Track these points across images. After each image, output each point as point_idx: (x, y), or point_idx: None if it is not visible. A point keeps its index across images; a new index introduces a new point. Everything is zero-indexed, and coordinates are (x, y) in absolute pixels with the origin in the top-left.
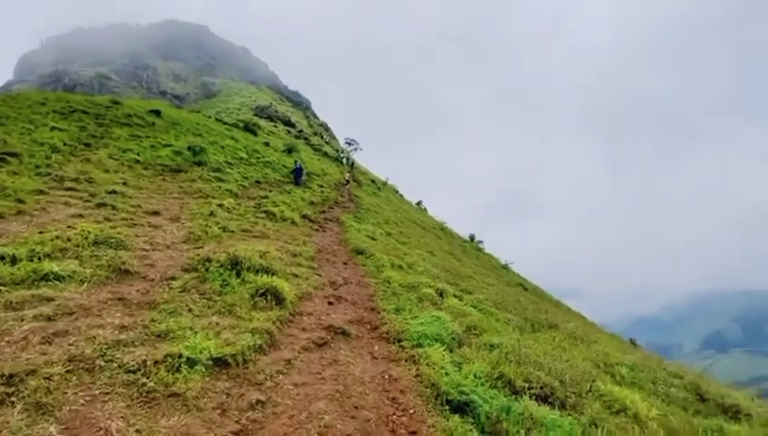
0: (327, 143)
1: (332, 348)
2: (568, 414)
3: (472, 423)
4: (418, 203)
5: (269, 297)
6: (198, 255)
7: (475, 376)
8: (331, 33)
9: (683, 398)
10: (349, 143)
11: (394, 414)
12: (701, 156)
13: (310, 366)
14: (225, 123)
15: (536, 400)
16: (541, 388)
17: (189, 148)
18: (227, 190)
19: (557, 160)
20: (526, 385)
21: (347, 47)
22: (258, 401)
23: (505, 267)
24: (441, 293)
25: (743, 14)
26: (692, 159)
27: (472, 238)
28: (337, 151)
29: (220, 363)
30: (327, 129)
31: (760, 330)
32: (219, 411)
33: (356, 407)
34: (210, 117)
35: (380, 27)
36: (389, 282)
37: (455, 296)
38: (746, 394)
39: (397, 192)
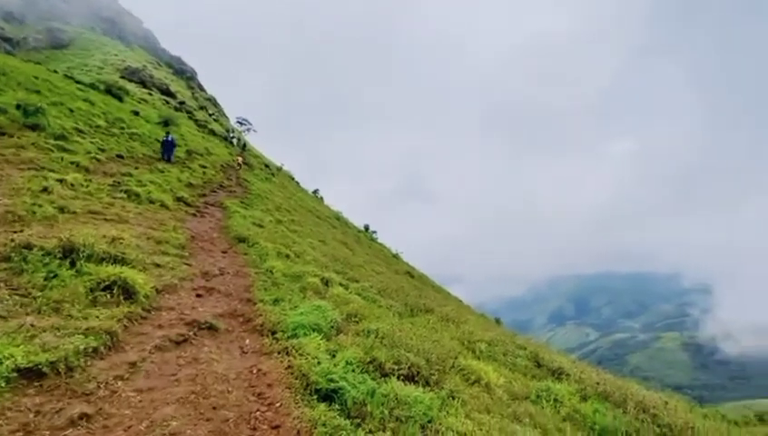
0: (215, 120)
1: (194, 345)
2: (431, 390)
3: (338, 410)
4: (315, 192)
5: (115, 291)
6: (12, 241)
7: (347, 363)
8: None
9: (524, 366)
10: (240, 123)
11: (258, 410)
12: (566, 159)
13: (162, 368)
14: (79, 83)
15: (403, 380)
16: (409, 368)
17: (18, 106)
18: (73, 162)
19: (456, 154)
20: (396, 367)
21: (262, 31)
22: (82, 415)
23: (395, 256)
24: (327, 282)
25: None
26: (559, 161)
27: (366, 228)
28: (227, 130)
29: (30, 374)
30: (215, 104)
31: (586, 305)
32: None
33: (214, 408)
34: (56, 72)
35: (308, 21)
36: (272, 272)
37: (341, 285)
38: (571, 359)
39: (293, 178)
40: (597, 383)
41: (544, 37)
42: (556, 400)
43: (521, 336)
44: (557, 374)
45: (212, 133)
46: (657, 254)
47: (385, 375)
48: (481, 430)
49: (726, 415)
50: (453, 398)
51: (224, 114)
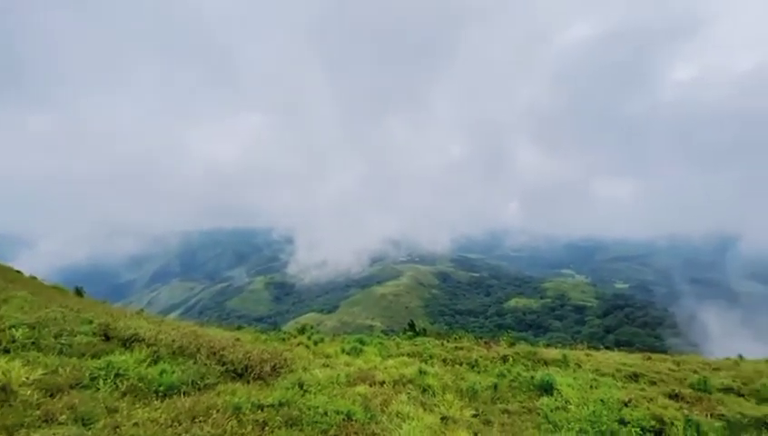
0: None
1: None
2: None
3: None
4: None
5: None
6: None
7: None
8: None
9: (85, 344)
10: None
11: None
12: (202, 124)
13: None
14: None
15: None
16: None
17: None
18: None
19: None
20: None
21: None
22: None
23: None
24: None
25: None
26: (194, 124)
27: None
28: None
29: None
30: None
31: (194, 260)
32: None
33: None
34: None
35: None
36: None
37: None
38: (159, 319)
39: None
40: (173, 341)
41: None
42: (117, 375)
43: (106, 305)
44: (129, 343)
45: None
46: (258, 212)
47: None
48: None
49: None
50: None
51: None
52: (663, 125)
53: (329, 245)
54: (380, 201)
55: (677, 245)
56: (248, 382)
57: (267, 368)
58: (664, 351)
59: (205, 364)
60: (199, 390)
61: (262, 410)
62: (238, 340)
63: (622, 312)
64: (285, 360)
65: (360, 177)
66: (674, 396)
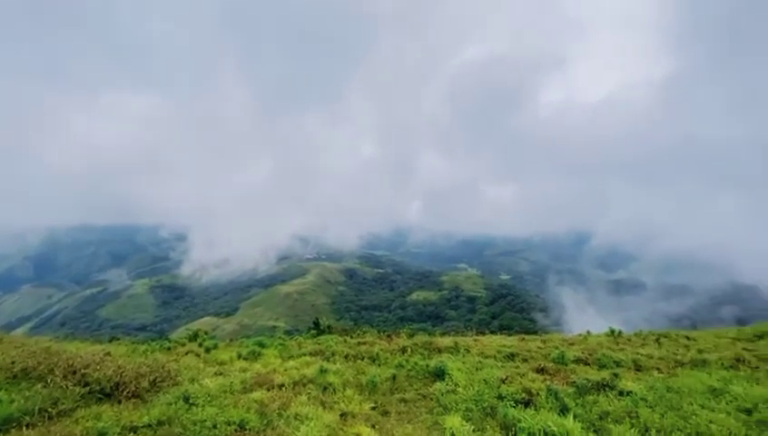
0: None
1: None
2: None
3: None
4: None
5: None
6: None
7: None
8: None
9: None
10: None
11: None
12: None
13: None
14: None
15: None
16: None
17: None
18: None
19: None
20: None
21: None
22: None
23: None
24: None
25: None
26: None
27: None
28: None
29: None
30: None
31: (54, 262)
32: None
33: None
34: None
35: None
36: None
37: None
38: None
39: None
40: (13, 363)
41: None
42: None
43: None
44: None
45: None
46: (142, 207)
47: None
48: None
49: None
50: None
51: None
52: (537, 139)
53: (231, 242)
54: (290, 196)
55: (547, 241)
56: (119, 402)
57: (144, 383)
58: (536, 332)
59: (61, 387)
60: (50, 418)
61: (135, 432)
62: (108, 354)
63: (505, 300)
64: (168, 372)
65: (269, 171)
66: (541, 370)
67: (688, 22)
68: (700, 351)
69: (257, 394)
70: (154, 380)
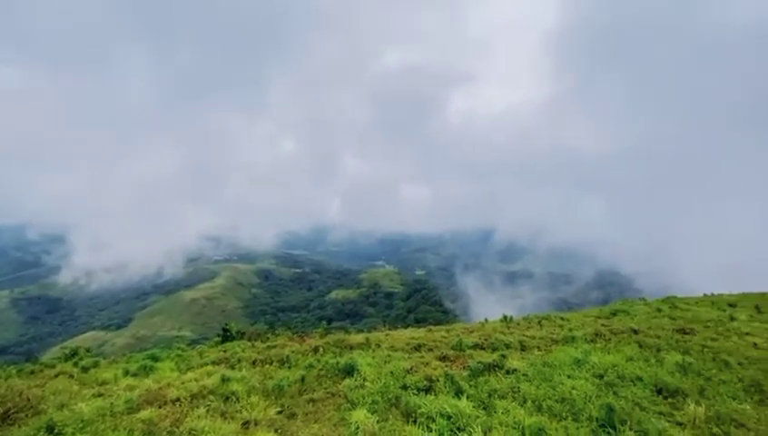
0: None
1: None
2: None
3: None
4: None
5: None
6: None
7: None
8: None
9: None
10: None
11: None
12: None
13: None
14: None
15: None
16: None
17: None
18: None
19: None
20: None
21: None
22: None
23: None
24: None
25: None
26: None
27: None
28: None
29: None
30: None
31: None
32: None
33: None
34: None
35: None
36: None
37: None
38: None
39: None
40: None
41: None
42: None
43: None
44: None
45: None
46: (3, 204)
47: None
48: None
49: None
50: None
51: None
52: (448, 143)
53: (127, 244)
54: (199, 192)
55: (456, 237)
56: None
57: None
58: (447, 323)
59: None
60: None
61: None
62: None
63: (420, 294)
64: (28, 399)
65: (175, 164)
66: (443, 358)
67: (567, 52)
68: (570, 330)
69: (145, 413)
70: (7, 411)
